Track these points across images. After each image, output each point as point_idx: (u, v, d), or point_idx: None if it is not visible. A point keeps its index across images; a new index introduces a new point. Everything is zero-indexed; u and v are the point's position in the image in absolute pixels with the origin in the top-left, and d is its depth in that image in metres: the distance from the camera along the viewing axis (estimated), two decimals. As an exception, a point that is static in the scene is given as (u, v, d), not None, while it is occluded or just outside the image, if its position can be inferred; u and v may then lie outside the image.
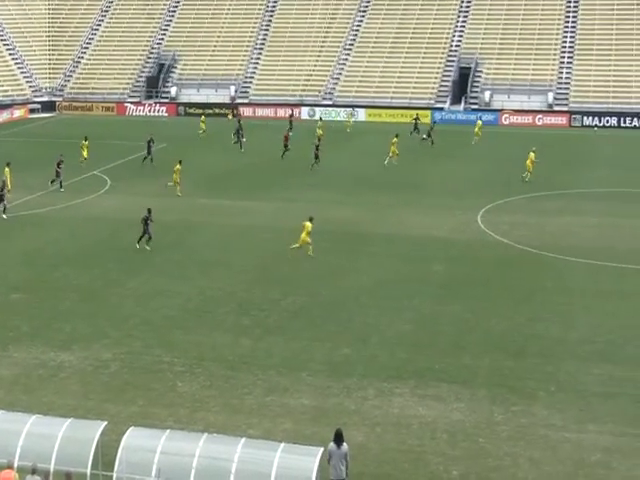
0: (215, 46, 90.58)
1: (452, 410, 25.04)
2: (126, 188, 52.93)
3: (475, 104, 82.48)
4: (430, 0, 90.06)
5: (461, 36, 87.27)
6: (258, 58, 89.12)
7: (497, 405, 25.34)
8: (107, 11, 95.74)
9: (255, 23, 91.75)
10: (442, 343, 29.85)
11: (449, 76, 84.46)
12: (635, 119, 77.60)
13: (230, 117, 79.98)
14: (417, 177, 56.32)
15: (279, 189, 52.48)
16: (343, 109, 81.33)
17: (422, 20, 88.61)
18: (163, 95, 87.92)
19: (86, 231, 43.69)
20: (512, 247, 41.04)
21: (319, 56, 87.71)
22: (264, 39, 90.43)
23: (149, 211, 39.99)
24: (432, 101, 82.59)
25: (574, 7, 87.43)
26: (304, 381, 26.85)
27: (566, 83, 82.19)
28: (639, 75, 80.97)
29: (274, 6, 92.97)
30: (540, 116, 79.42)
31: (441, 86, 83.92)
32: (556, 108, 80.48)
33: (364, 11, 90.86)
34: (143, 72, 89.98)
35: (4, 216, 45.18)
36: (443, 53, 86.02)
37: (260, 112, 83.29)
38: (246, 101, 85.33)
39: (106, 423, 21.21)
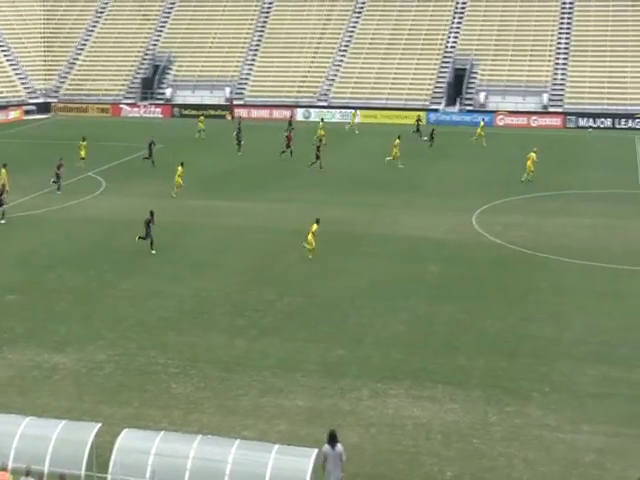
0: (210, 47, 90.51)
1: (446, 411, 25.08)
2: (121, 189, 52.90)
3: (470, 105, 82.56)
4: (425, 1, 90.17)
5: (456, 37, 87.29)
6: (253, 59, 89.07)
7: (491, 406, 25.39)
8: (102, 12, 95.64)
9: (250, 24, 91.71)
10: (436, 344, 29.90)
11: (444, 77, 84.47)
12: (629, 120, 77.75)
13: (229, 118, 79.83)
14: (414, 178, 56.34)
15: (274, 190, 52.47)
16: (339, 110, 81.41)
17: (417, 21, 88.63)
18: (158, 97, 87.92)
19: (81, 232, 43.67)
20: (506, 248, 41.11)
21: (314, 57, 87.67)
22: (259, 40, 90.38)
23: (152, 213, 39.76)
24: (427, 102, 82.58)
25: (569, 9, 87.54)
26: (299, 382, 26.88)
27: (561, 84, 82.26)
28: (634, 76, 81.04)
29: (269, 7, 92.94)
30: (535, 117, 79.45)
31: (436, 87, 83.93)
32: (551, 109, 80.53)
33: (359, 12, 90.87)
34: (138, 73, 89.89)
35: (2, 221, 44.89)
36: (438, 54, 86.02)
37: (255, 113, 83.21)
38: (241, 102, 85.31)
39: (100, 425, 21.24)
